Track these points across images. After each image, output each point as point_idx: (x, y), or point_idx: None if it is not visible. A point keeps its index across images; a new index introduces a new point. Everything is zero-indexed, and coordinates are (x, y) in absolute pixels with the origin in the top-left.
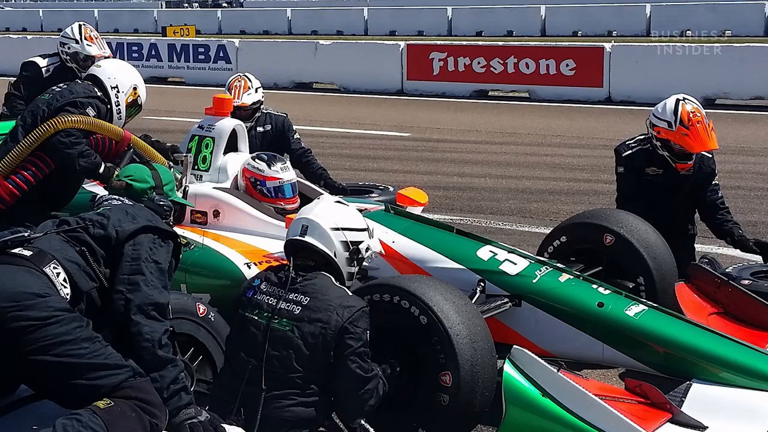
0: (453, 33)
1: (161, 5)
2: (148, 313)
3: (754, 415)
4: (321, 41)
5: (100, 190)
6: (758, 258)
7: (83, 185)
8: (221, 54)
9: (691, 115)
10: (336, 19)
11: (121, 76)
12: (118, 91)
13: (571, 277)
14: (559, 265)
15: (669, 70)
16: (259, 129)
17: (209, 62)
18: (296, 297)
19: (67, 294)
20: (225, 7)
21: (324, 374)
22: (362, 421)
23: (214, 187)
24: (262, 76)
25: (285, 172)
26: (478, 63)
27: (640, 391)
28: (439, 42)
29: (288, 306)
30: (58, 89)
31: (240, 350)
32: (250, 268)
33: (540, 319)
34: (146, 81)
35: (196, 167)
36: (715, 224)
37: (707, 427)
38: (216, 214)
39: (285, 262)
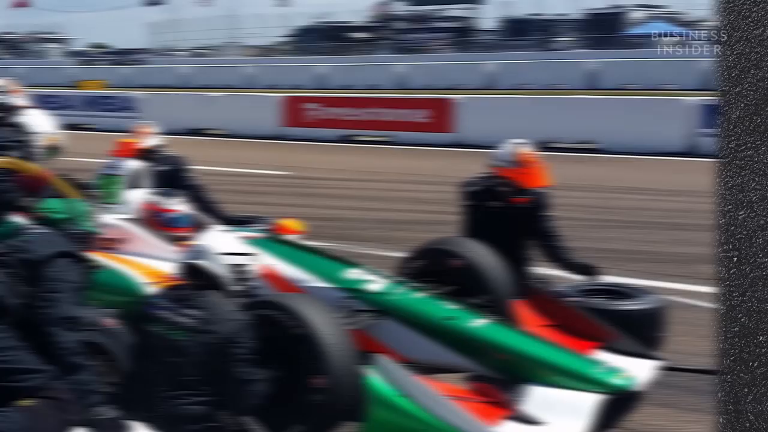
0: (325, 87)
1: (77, 62)
2: (64, 326)
3: (579, 412)
4: (213, 94)
5: (23, 221)
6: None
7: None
8: (128, 105)
9: (527, 157)
10: (226, 75)
11: (41, 124)
12: (38, 136)
13: (425, 295)
14: (415, 284)
15: (509, 117)
16: (159, 169)
17: (117, 111)
18: (190, 311)
19: None
20: (132, 64)
21: (216, 377)
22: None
23: (121, 218)
24: (163, 123)
25: (180, 206)
26: (347, 112)
27: (484, 391)
28: (313, 94)
29: (183, 319)
30: None
31: (142, 358)
32: (150, 286)
33: (399, 330)
34: (63, 128)
35: (105, 201)
36: (547, 250)
37: (540, 423)
38: (122, 241)
39: (181, 281)
